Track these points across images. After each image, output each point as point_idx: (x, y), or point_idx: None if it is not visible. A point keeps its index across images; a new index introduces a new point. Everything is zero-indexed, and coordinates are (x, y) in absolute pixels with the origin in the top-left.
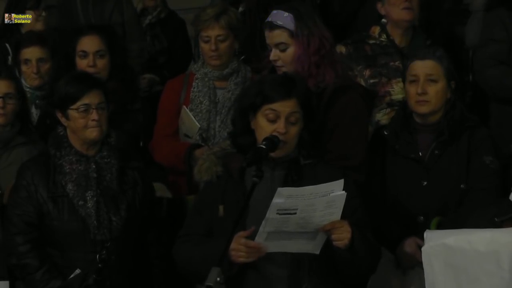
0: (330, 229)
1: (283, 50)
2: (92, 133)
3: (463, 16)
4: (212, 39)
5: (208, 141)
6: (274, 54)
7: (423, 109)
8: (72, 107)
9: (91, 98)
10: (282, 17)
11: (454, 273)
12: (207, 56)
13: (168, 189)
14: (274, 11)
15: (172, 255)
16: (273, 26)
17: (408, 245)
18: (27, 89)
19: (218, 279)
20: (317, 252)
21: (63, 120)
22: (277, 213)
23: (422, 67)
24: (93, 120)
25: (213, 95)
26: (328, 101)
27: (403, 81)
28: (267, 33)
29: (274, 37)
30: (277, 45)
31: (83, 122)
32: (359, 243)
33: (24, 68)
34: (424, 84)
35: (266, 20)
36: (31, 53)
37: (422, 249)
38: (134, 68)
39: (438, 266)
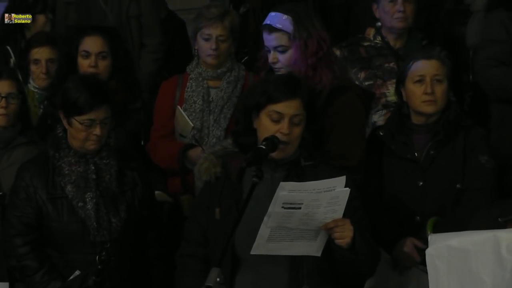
0: (333, 227)
1: (282, 52)
2: (91, 146)
3: (464, 16)
4: (214, 38)
5: (202, 140)
6: (273, 56)
7: (430, 108)
8: (77, 118)
9: (98, 114)
10: (281, 20)
11: (458, 274)
12: (205, 54)
13: (169, 195)
14: (272, 13)
15: (173, 258)
16: (272, 29)
17: (405, 245)
18: (35, 90)
19: (218, 279)
20: (319, 254)
21: (64, 122)
22: (282, 207)
23: (429, 67)
24: (95, 134)
25: (206, 95)
26: (325, 101)
27: (400, 81)
28: (265, 36)
29: (273, 40)
30: (276, 48)
31: (85, 135)
32: (360, 243)
33: (33, 68)
34: (431, 84)
35: (264, 22)
36: (41, 53)
37: (426, 251)
38: (148, 65)
39: (442, 268)
